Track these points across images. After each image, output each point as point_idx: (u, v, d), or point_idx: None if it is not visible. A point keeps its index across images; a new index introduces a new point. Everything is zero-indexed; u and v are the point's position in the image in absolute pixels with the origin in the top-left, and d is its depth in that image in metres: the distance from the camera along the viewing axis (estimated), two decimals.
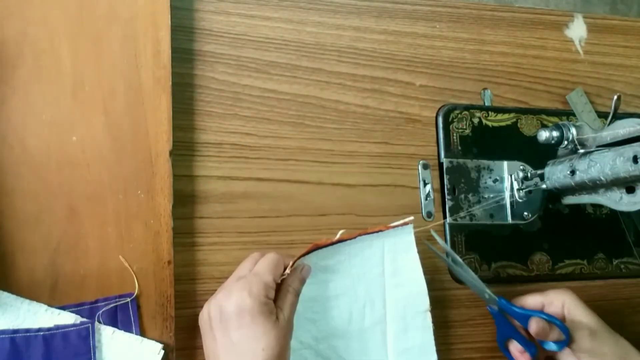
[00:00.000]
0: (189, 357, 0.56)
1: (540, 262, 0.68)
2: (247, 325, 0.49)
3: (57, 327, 0.51)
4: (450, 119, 0.69)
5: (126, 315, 0.53)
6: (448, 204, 0.67)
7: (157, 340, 0.53)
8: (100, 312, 0.52)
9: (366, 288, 0.59)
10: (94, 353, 0.51)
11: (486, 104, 0.72)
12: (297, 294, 0.54)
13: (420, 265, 0.60)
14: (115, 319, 0.53)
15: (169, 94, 0.57)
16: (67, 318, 0.51)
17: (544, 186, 0.64)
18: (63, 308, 0.51)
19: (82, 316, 0.52)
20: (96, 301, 0.53)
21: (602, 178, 0.56)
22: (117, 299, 0.53)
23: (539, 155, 0.66)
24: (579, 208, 0.71)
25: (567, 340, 0.57)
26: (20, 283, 0.51)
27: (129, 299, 0.53)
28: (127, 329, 0.53)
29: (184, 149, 0.61)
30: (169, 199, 0.56)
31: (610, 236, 0.72)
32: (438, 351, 0.62)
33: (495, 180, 0.68)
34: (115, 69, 0.56)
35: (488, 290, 0.61)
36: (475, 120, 0.70)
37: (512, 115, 0.71)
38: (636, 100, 0.78)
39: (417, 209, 0.67)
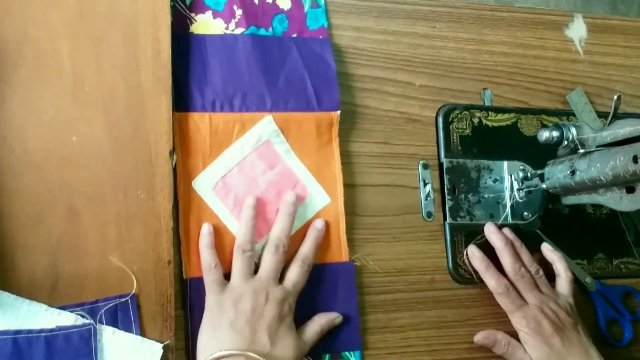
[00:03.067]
0: (189, 357, 0.56)
1: (541, 262, 0.67)
2: None
3: (59, 329, 0.51)
4: (450, 119, 0.69)
5: (126, 315, 0.53)
6: (448, 204, 0.67)
7: (157, 340, 0.53)
8: (102, 311, 0.52)
9: None
10: (96, 354, 0.51)
11: (486, 104, 0.72)
12: None
13: None
14: (116, 319, 0.53)
15: (169, 94, 0.57)
16: (68, 318, 0.51)
17: (544, 186, 0.64)
18: (63, 308, 0.51)
19: (82, 316, 0.52)
20: (96, 301, 0.52)
21: (602, 178, 0.56)
22: (117, 299, 0.53)
23: (539, 155, 0.66)
24: (579, 208, 0.71)
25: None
26: (20, 283, 0.51)
27: (128, 298, 0.53)
28: (128, 328, 0.53)
29: None
30: (169, 199, 0.56)
31: (610, 236, 0.72)
32: (439, 351, 0.63)
33: (495, 180, 0.68)
34: (115, 69, 0.56)
35: (588, 276, 0.69)
36: (475, 120, 0.70)
37: (512, 115, 0.71)
38: (636, 100, 0.78)
39: (417, 209, 0.67)
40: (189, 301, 0.56)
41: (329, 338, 0.59)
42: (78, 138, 0.54)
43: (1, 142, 0.52)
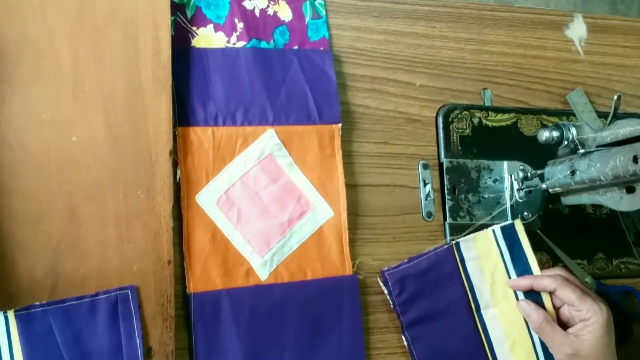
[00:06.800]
0: (189, 357, 0.56)
1: (540, 262, 0.67)
2: None
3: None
4: (450, 119, 0.69)
5: (127, 308, 0.53)
6: (448, 204, 0.67)
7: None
8: (102, 304, 0.52)
9: None
10: None
11: (486, 104, 0.72)
12: None
13: None
14: (116, 312, 0.53)
15: (169, 94, 0.57)
16: None
17: (544, 186, 0.64)
18: (63, 302, 0.52)
19: (82, 308, 0.52)
20: (97, 294, 0.53)
21: (602, 178, 0.56)
22: (117, 291, 0.53)
23: (539, 155, 0.66)
24: (579, 208, 0.71)
25: None
26: (20, 283, 0.51)
27: (129, 290, 0.53)
28: (128, 321, 0.53)
29: None
30: (169, 199, 0.56)
31: (610, 236, 0.72)
32: None
33: (495, 180, 0.68)
34: (115, 69, 0.56)
35: (588, 276, 0.68)
36: (475, 120, 0.70)
37: (512, 115, 0.71)
38: (636, 100, 0.78)
39: (417, 209, 0.67)
40: (192, 316, 0.56)
41: (332, 355, 0.59)
42: (78, 138, 0.54)
43: (1, 142, 0.52)
